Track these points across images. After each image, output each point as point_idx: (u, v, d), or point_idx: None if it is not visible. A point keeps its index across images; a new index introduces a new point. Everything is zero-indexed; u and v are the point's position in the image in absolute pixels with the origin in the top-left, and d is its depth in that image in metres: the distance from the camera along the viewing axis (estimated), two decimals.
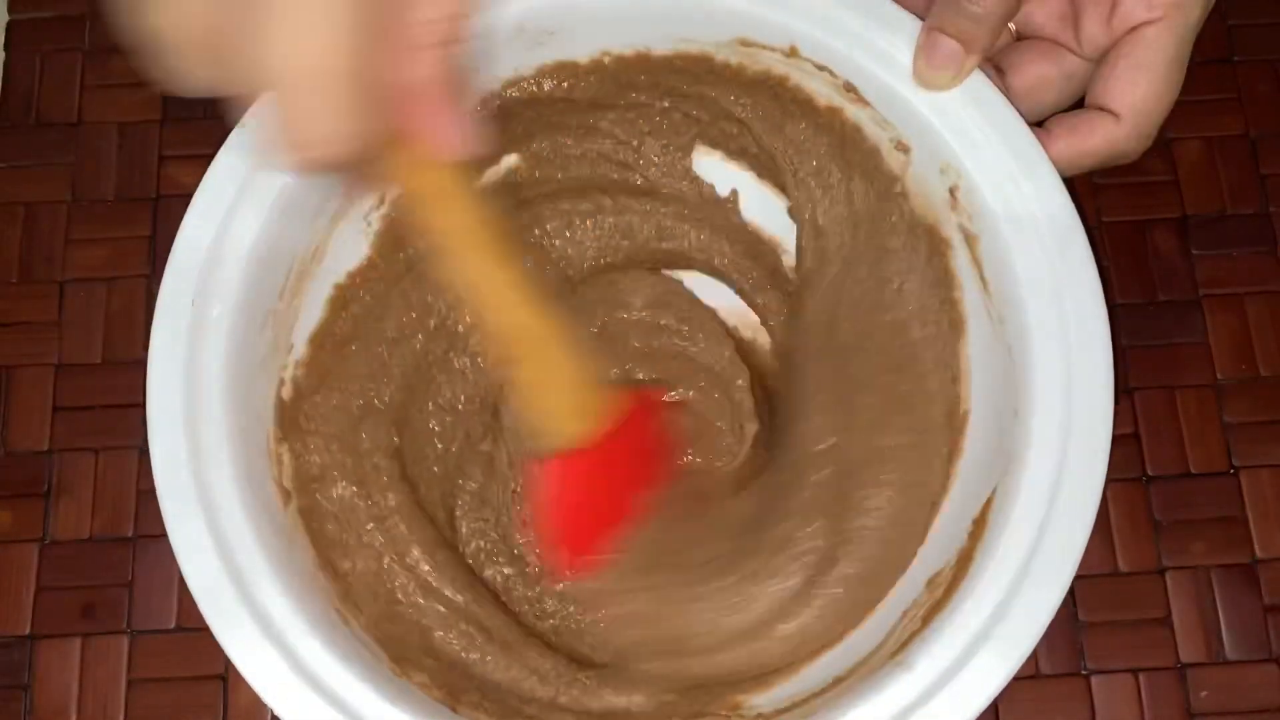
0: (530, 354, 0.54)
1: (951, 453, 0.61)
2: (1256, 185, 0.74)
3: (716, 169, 0.69)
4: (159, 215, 0.74)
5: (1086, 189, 0.73)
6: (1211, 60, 0.76)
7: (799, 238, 0.67)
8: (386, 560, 0.61)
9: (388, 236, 0.64)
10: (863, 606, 0.61)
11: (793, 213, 0.67)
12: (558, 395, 0.56)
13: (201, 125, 0.75)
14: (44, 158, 0.75)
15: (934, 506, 0.61)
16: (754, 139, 0.66)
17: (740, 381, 0.67)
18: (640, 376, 0.68)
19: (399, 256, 0.65)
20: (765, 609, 0.61)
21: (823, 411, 0.64)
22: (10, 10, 0.78)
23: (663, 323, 0.69)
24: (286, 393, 0.60)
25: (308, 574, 0.57)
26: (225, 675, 0.67)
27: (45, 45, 0.77)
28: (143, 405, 0.68)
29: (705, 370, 0.68)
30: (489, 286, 0.52)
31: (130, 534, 0.69)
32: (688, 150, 0.69)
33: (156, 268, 0.73)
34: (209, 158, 0.58)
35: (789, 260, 0.69)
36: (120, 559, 0.68)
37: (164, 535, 0.53)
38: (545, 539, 0.60)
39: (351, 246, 0.63)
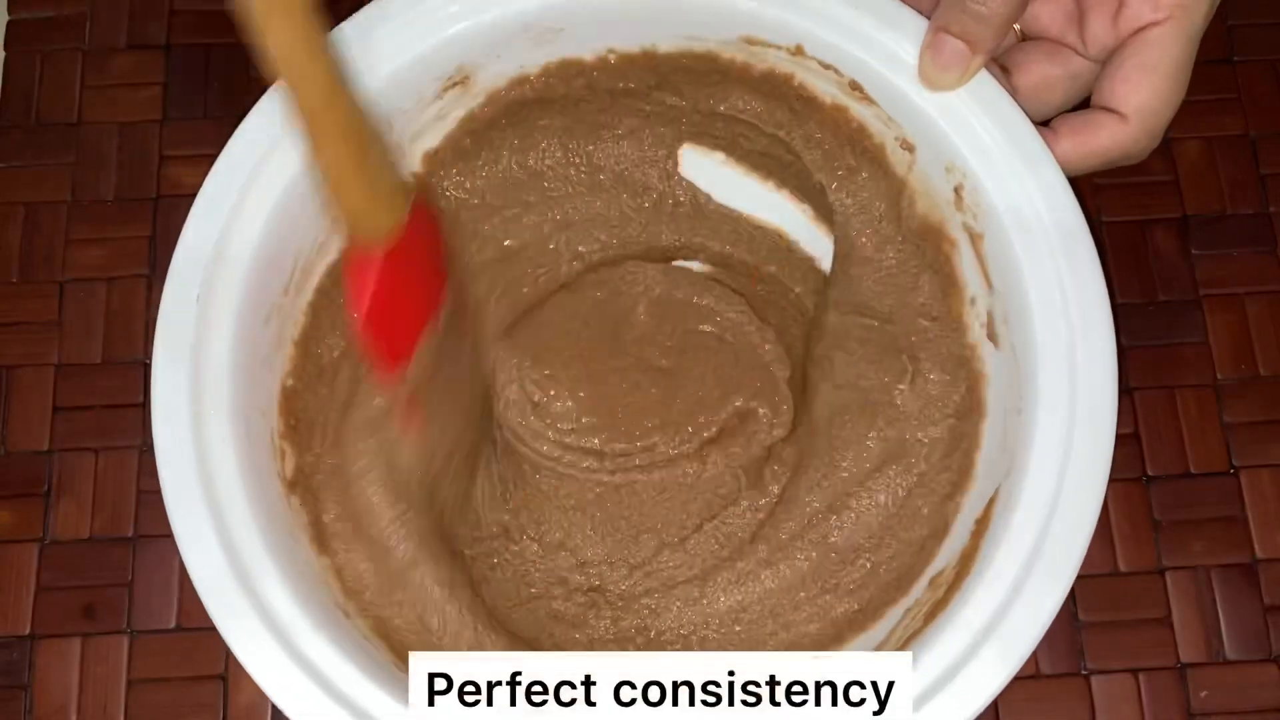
0: (333, 138, 0.50)
1: (968, 447, 0.61)
2: (1256, 185, 0.74)
3: (715, 169, 0.69)
4: (159, 215, 0.74)
5: (1087, 189, 0.73)
6: (1211, 60, 0.76)
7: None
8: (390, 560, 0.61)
9: None
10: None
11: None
12: (360, 184, 0.52)
13: (201, 125, 0.75)
14: (44, 158, 0.75)
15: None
16: (757, 138, 0.66)
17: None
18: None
19: None
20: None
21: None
22: (10, 10, 0.77)
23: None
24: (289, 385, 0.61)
25: (310, 567, 0.57)
26: (225, 675, 0.67)
27: (45, 45, 0.77)
28: (143, 405, 0.69)
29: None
30: (299, 69, 0.48)
31: (130, 534, 0.69)
32: (673, 149, 0.69)
33: (157, 268, 0.72)
34: (209, 158, 0.58)
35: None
36: (120, 559, 0.68)
37: (164, 535, 0.53)
38: (364, 334, 0.57)
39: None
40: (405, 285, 0.57)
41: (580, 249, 0.69)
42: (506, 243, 0.68)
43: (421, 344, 0.58)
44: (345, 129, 0.50)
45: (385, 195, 0.54)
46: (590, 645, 0.63)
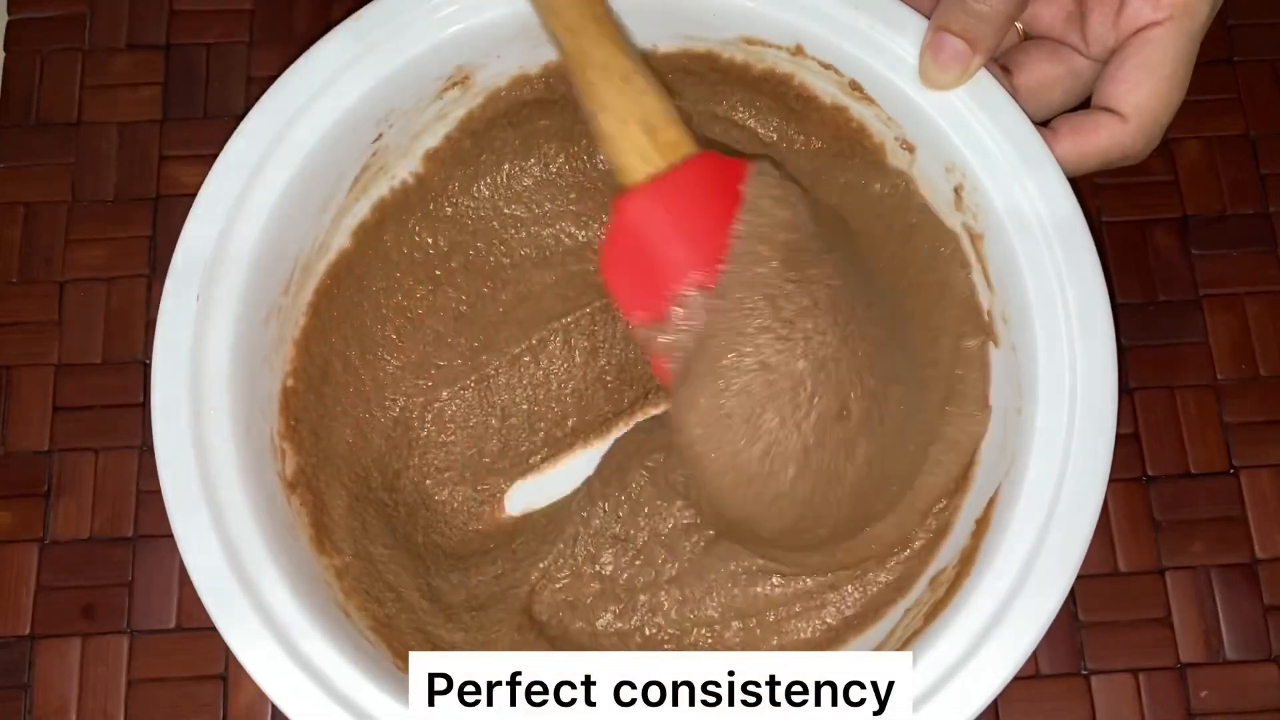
0: (601, 80, 0.55)
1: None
2: (1256, 185, 0.74)
3: None
4: (159, 215, 0.74)
5: (1087, 189, 0.73)
6: (1211, 60, 0.76)
7: None
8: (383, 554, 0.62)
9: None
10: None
11: None
12: (627, 126, 0.55)
13: (201, 125, 0.75)
14: (44, 158, 0.75)
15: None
16: (755, 140, 0.66)
17: None
18: None
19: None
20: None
21: None
22: (10, 10, 0.77)
23: None
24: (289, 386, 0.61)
25: (310, 567, 0.57)
26: (225, 675, 0.67)
27: (45, 45, 0.77)
28: (143, 405, 0.69)
29: None
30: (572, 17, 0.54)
31: (130, 534, 0.68)
32: None
33: (157, 267, 0.72)
34: (209, 157, 0.58)
35: None
36: (120, 559, 0.68)
37: (164, 535, 0.53)
38: (620, 279, 0.57)
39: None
40: (660, 234, 0.55)
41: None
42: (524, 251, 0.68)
43: (676, 302, 0.55)
44: (598, 63, 0.55)
45: (639, 139, 0.55)
46: (595, 636, 0.63)
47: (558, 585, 0.64)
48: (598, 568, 0.64)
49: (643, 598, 0.63)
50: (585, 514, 0.64)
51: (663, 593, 0.63)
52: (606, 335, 0.68)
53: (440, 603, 0.62)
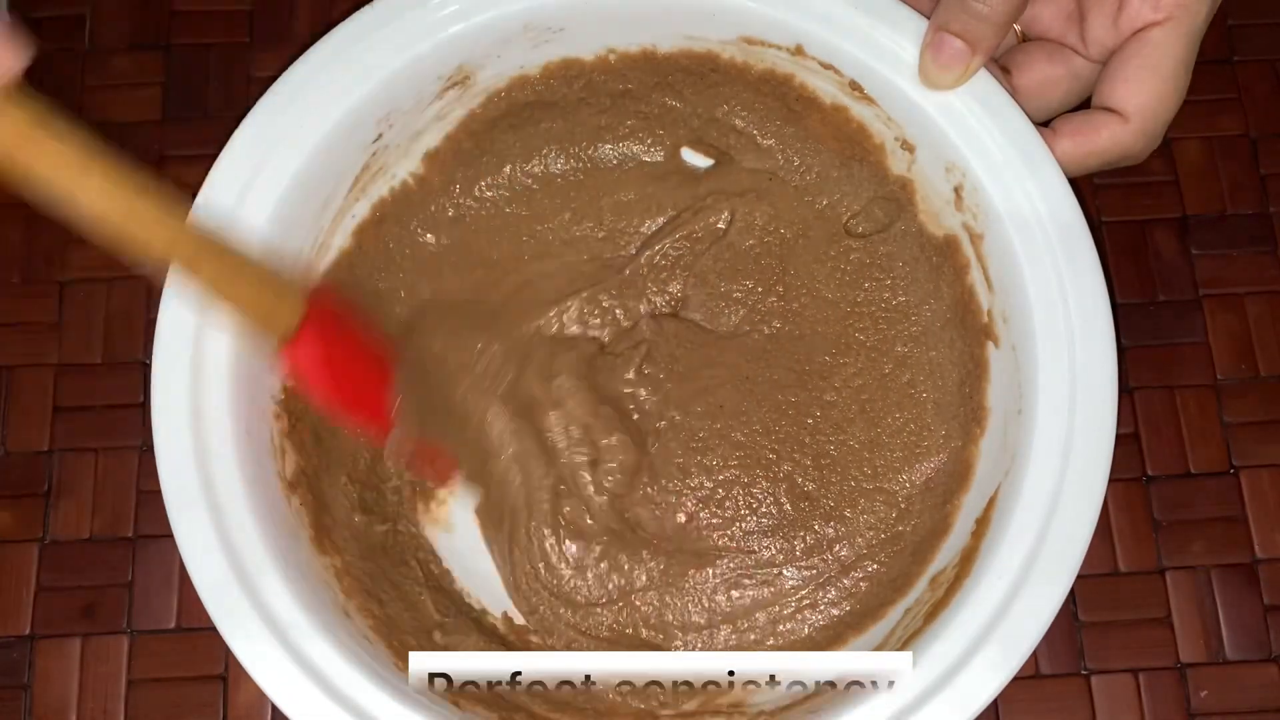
0: (199, 265, 0.51)
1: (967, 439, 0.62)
2: (1256, 185, 0.74)
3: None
4: None
5: (1087, 189, 0.73)
6: (1211, 60, 0.75)
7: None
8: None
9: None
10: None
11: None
12: (245, 293, 0.54)
13: (201, 125, 0.75)
14: None
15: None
16: (753, 145, 0.66)
17: None
18: None
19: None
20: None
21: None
22: (10, 10, 0.77)
23: None
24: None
25: (310, 567, 0.57)
26: (225, 675, 0.66)
27: (45, 45, 0.77)
28: (143, 405, 0.69)
29: None
30: (129, 215, 0.47)
31: (130, 534, 0.68)
32: (673, 151, 0.69)
33: None
34: (209, 157, 0.58)
35: None
36: (120, 559, 0.68)
37: (164, 535, 0.53)
38: (349, 416, 0.61)
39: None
40: (344, 356, 0.58)
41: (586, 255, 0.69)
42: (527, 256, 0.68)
43: (395, 402, 0.60)
44: (208, 254, 0.52)
45: (276, 295, 0.55)
46: (589, 632, 0.63)
47: (535, 577, 0.64)
48: (560, 560, 0.64)
49: (621, 602, 0.63)
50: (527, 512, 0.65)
51: (637, 598, 0.63)
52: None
53: (443, 591, 0.62)
